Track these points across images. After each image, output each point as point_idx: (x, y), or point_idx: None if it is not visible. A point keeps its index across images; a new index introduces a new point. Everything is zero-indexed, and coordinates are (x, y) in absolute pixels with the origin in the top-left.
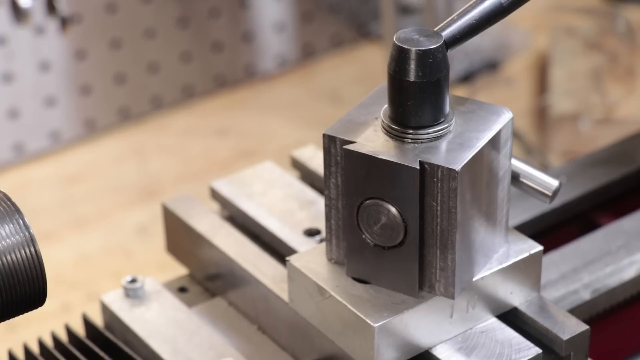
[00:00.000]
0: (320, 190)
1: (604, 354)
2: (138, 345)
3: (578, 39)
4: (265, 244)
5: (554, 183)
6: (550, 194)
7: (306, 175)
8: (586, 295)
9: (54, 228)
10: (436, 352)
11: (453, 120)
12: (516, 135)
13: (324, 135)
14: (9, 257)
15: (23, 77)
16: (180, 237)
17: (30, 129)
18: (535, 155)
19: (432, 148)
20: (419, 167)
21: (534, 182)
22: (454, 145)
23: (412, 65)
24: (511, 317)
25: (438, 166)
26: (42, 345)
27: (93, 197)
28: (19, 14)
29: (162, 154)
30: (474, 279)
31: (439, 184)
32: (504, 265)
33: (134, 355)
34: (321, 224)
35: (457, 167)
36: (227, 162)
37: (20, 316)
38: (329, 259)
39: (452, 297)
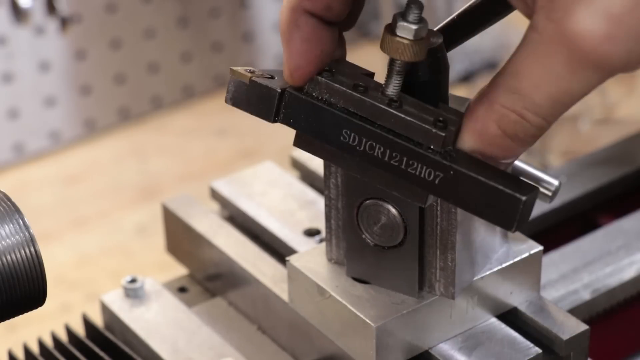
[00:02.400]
0: (320, 190)
1: (604, 354)
2: (138, 345)
3: None
4: (265, 244)
5: (554, 183)
6: (550, 194)
7: (306, 175)
8: (586, 295)
9: (54, 228)
10: (436, 352)
11: None
12: None
13: None
14: (9, 257)
15: (23, 77)
16: (180, 237)
17: (30, 129)
18: (535, 155)
19: None
20: None
21: (533, 182)
22: None
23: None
24: (511, 317)
25: None
26: (42, 345)
27: (93, 197)
28: (19, 14)
29: (162, 154)
30: (474, 279)
31: None
32: (504, 265)
33: (134, 355)
34: (321, 224)
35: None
36: (227, 162)
37: (20, 316)
38: (329, 259)
39: (452, 297)
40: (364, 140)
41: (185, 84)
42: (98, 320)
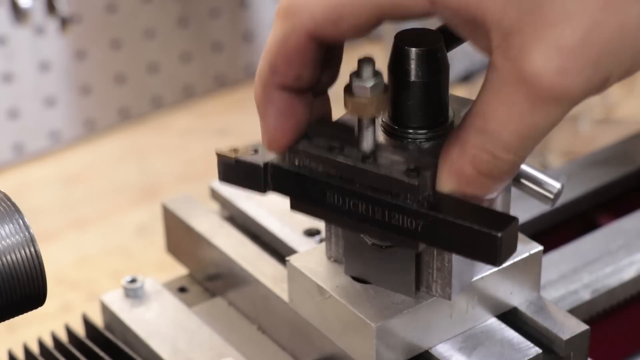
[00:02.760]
0: None
1: (604, 354)
2: (138, 345)
3: None
4: (265, 244)
5: (557, 186)
6: (552, 196)
7: None
8: (586, 295)
9: (54, 228)
10: (436, 352)
11: (453, 120)
12: None
13: None
14: (9, 257)
15: (23, 77)
16: (180, 237)
17: (30, 129)
18: (535, 155)
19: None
20: None
21: (535, 185)
22: None
23: (412, 65)
24: (511, 317)
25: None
26: (42, 345)
27: (93, 197)
28: (19, 14)
29: (162, 154)
30: (473, 279)
31: None
32: (504, 265)
33: (134, 355)
34: (321, 224)
35: None
36: None
37: (20, 316)
38: (329, 257)
39: (449, 298)
40: (347, 199)
41: (185, 84)
42: (98, 320)
